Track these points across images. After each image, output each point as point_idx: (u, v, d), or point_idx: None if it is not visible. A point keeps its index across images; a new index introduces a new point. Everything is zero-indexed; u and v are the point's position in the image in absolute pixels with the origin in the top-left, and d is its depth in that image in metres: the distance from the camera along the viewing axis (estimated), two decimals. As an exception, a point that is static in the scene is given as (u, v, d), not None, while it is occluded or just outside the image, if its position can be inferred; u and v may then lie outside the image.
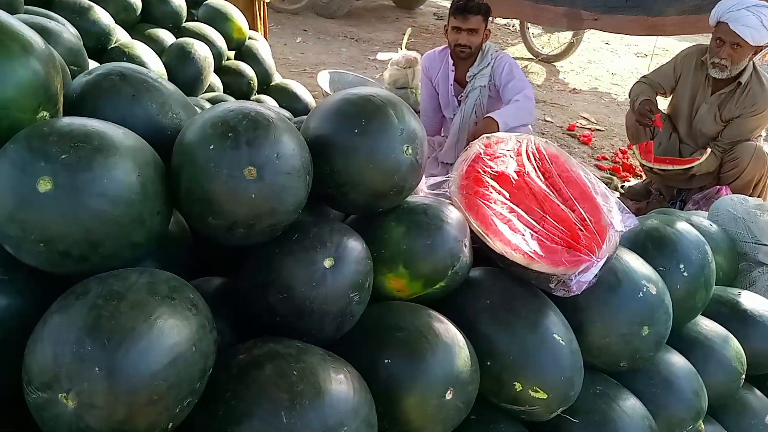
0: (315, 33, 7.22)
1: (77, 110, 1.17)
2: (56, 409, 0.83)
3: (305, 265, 1.13)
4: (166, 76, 3.14)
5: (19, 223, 0.92)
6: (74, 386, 0.82)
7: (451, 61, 3.73)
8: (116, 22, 3.13)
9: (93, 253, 0.96)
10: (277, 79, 4.11)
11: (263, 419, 0.93)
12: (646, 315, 1.45)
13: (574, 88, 6.55)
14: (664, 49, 7.09)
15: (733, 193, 3.48)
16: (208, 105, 3.10)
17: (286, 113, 2.80)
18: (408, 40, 5.15)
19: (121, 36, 3.17)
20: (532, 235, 1.39)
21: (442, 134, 4.06)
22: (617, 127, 5.49)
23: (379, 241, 1.34)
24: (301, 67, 6.06)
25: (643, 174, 4.42)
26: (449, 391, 1.14)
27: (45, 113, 1.06)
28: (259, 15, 4.38)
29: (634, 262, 1.51)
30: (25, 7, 2.38)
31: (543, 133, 5.18)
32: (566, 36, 6.82)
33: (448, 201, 1.49)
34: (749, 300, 1.95)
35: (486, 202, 1.45)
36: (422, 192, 1.54)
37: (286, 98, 3.81)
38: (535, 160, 1.53)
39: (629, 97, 3.94)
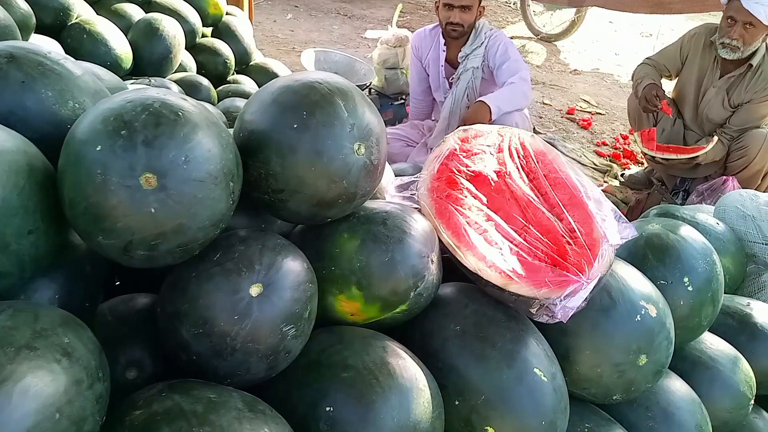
0: (306, 9, 6.92)
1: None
2: None
3: (226, 294, 0.92)
4: (130, 55, 2.91)
5: None
6: None
7: (442, 41, 3.48)
8: (79, -4, 2.89)
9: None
10: (258, 58, 3.87)
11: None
12: (644, 341, 1.24)
13: (575, 69, 6.28)
14: (671, 28, 6.80)
15: (741, 184, 3.27)
16: (175, 87, 2.87)
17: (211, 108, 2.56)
18: (400, 16, 4.88)
19: (82, 11, 2.93)
20: (511, 249, 1.18)
21: (433, 118, 3.83)
22: (619, 111, 5.25)
23: (328, 256, 1.13)
24: (290, 45, 5.79)
25: (644, 161, 4.19)
26: (403, 447, 0.94)
27: None
28: (245, -11, 4.12)
29: (632, 277, 1.30)
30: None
31: (541, 117, 4.94)
32: (568, 14, 6.53)
33: (416, 206, 1.28)
34: (761, 312, 1.74)
35: (459, 207, 1.23)
36: (389, 194, 1.32)
37: (266, 79, 3.57)
38: (518, 158, 1.31)
39: (632, 79, 3.69)
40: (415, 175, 1.32)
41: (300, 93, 1.02)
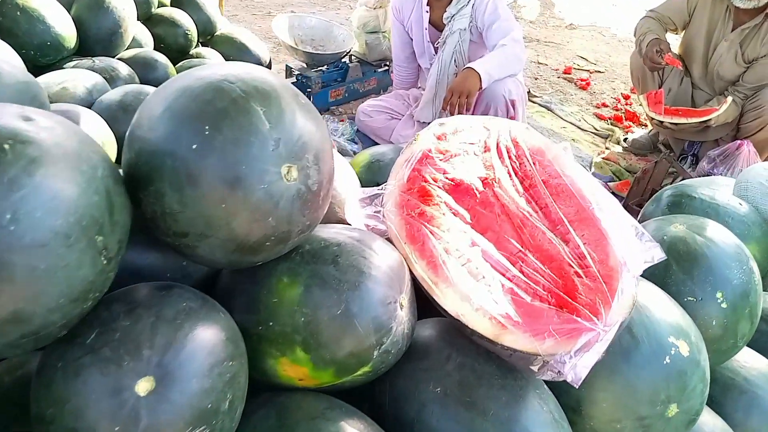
0: (283, -31, 6.48)
1: None
2: None
3: (102, 394, 0.65)
4: (74, 33, 2.57)
5: None
6: None
7: (425, 0, 3.14)
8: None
9: None
10: (224, 27, 3.52)
11: None
12: (674, 388, 0.98)
13: (571, 24, 5.90)
14: (671, -25, 6.38)
15: (756, 148, 2.98)
16: (124, 69, 2.55)
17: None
18: (381, -26, 4.49)
19: (16, -14, 2.59)
20: (503, 285, 0.90)
21: (419, 86, 3.50)
22: (618, 68, 4.91)
23: (264, 307, 0.86)
24: (265, 8, 5.41)
25: (648, 123, 3.89)
26: None
27: None
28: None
29: (657, 303, 1.03)
30: None
31: (536, 78, 4.61)
32: (562, -36, 6.11)
33: (382, 226, 1.00)
34: (800, 315, 1.48)
35: (435, 229, 0.96)
36: (349, 211, 1.04)
37: (233, 50, 3.26)
38: (510, 158, 1.03)
39: (634, 35, 3.37)
40: (381, 186, 1.04)
41: (201, 98, 0.73)
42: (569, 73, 4.71)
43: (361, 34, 3.87)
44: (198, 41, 3.25)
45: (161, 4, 3.20)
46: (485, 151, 1.04)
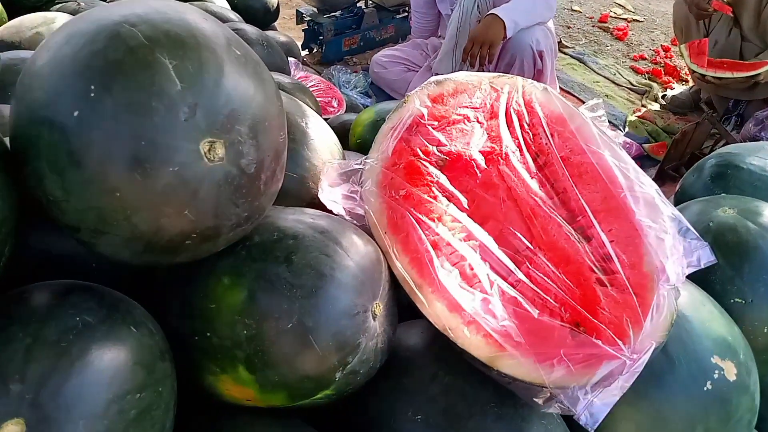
0: None
1: None
2: None
3: (-53, 448, 0.49)
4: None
5: None
6: None
7: (446, -62, 2.84)
8: None
9: None
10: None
11: None
12: (716, 420, 0.79)
13: (610, -32, 5.46)
14: None
15: (811, 110, 2.68)
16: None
17: None
18: None
19: None
20: (503, 292, 0.71)
21: (439, 35, 3.23)
22: (659, 17, 4.53)
23: (200, 313, 0.69)
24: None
25: (689, 78, 3.57)
26: None
27: None
28: None
29: (698, 311, 0.83)
30: None
31: (569, 27, 4.27)
32: None
33: (359, 215, 0.81)
34: None
35: (423, 217, 0.76)
36: (326, 188, 0.84)
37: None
38: (522, 128, 0.82)
39: (679, -21, 3.03)
40: (360, 160, 0.84)
41: (88, 48, 0.54)
42: (605, 22, 4.35)
43: (377, -24, 3.59)
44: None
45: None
46: (491, 118, 0.83)
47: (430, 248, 0.74)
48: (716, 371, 0.79)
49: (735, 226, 1.01)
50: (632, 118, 3.20)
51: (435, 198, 0.78)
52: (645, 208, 0.74)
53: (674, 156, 2.74)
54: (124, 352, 0.58)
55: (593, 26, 4.34)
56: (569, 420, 0.75)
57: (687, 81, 3.64)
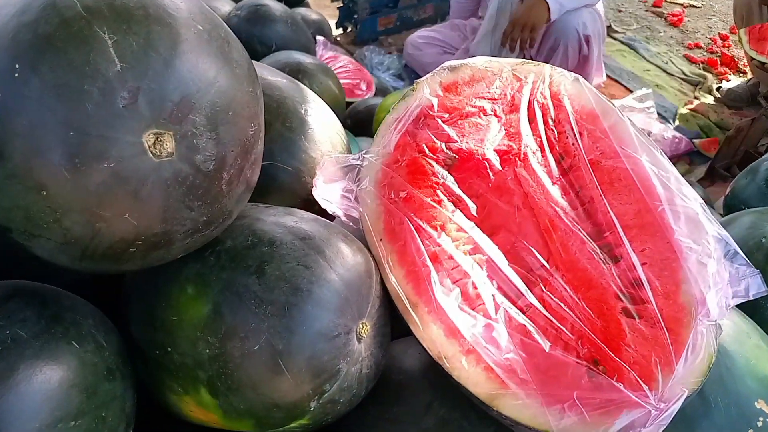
0: None
1: None
2: None
3: None
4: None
5: None
6: None
7: None
8: None
9: None
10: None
11: None
12: (758, 476, 0.68)
13: (667, -51, 5.16)
14: None
15: None
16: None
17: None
18: None
19: None
20: (510, 318, 0.61)
21: (480, 15, 3.08)
22: (718, 3, 4.26)
23: (160, 324, 0.61)
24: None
25: (748, 70, 3.33)
26: None
27: None
28: None
29: (744, 347, 0.71)
30: None
31: (620, 11, 4.05)
32: None
33: (354, 217, 0.72)
34: None
35: (425, 224, 0.66)
36: (320, 184, 0.75)
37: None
38: (546, 124, 0.71)
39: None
40: (358, 155, 0.74)
41: (18, 20, 0.45)
42: (659, 6, 4.11)
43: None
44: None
45: None
46: (510, 112, 0.72)
47: (428, 261, 0.64)
48: (761, 418, 0.67)
49: (794, 244, 0.88)
50: (683, 110, 3.00)
51: (439, 202, 0.68)
52: (686, 225, 0.62)
53: (726, 153, 2.55)
54: (59, 373, 0.50)
55: (646, 11, 4.11)
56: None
57: (745, 73, 3.40)
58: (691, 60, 3.54)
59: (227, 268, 0.59)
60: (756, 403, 0.68)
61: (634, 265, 0.61)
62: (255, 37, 1.82)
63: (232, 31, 0.56)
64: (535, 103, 0.72)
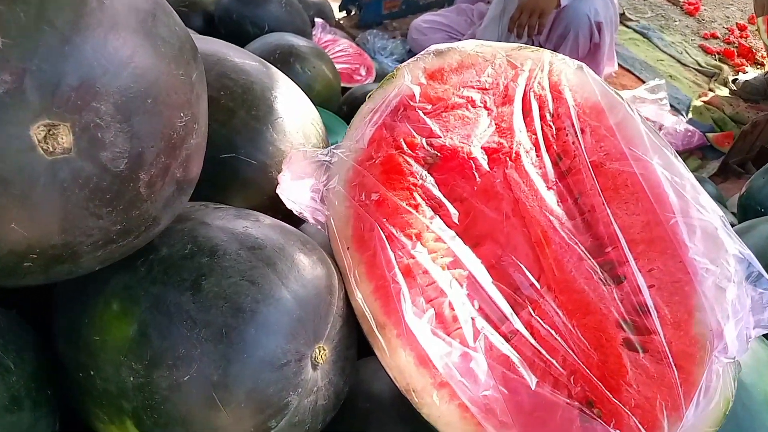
0: None
1: None
2: None
3: None
4: None
5: None
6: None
7: None
8: None
9: None
10: None
11: None
12: None
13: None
14: None
15: None
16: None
17: None
18: None
19: None
20: (492, 346, 0.52)
21: (487, 0, 2.96)
22: (738, -9, 4.11)
23: (84, 343, 0.52)
24: None
25: (766, 62, 3.20)
26: None
27: None
28: None
29: (763, 380, 0.62)
30: None
31: (634, -1, 3.91)
32: None
33: (321, 219, 0.63)
34: None
35: (398, 233, 0.57)
36: (284, 183, 0.66)
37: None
38: (543, 119, 0.61)
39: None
40: (327, 150, 0.65)
41: None
42: (675, -5, 3.97)
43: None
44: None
45: None
46: (503, 104, 0.63)
47: (400, 276, 0.55)
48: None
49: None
50: (697, 103, 2.88)
51: (416, 207, 0.59)
52: (703, 242, 0.53)
53: (741, 149, 2.43)
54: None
55: (661, -1, 3.96)
56: None
57: (762, 65, 3.28)
58: (706, 50, 3.41)
59: (158, 282, 0.50)
60: (777, 446, 0.59)
61: (639, 287, 0.52)
62: (246, 17, 1.73)
63: (168, 3, 0.47)
64: (532, 94, 0.62)
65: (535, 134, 0.60)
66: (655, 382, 0.49)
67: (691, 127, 2.56)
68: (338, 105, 1.77)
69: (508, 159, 0.60)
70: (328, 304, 0.54)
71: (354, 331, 0.57)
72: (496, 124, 0.62)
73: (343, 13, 3.15)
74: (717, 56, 3.36)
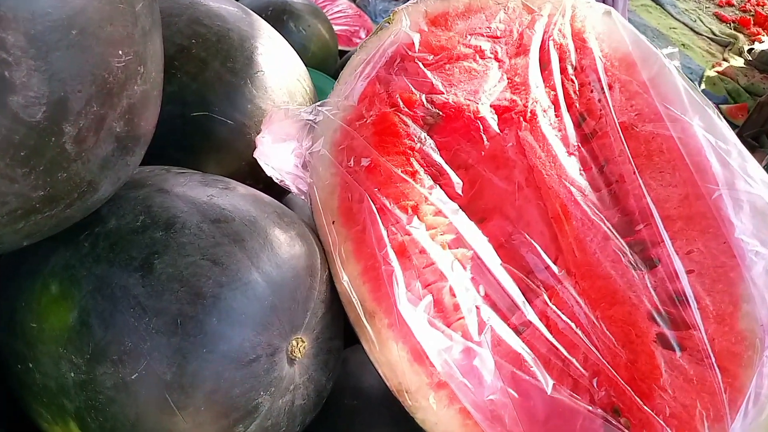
0: None
1: None
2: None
3: None
4: None
5: None
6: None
7: None
8: None
9: None
10: None
11: None
12: None
13: None
14: None
15: None
16: None
17: None
18: None
19: None
20: (499, 343, 0.44)
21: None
22: (755, -43, 3.94)
23: (21, 331, 0.44)
24: None
25: (784, 31, 3.08)
26: None
27: None
28: None
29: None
30: None
31: (646, -36, 3.75)
32: None
33: (303, 188, 0.54)
34: None
35: (392, 205, 0.49)
36: (264, 145, 0.57)
37: None
38: (563, 72, 0.52)
39: None
40: (311, 108, 0.56)
41: None
42: (690, -40, 3.81)
43: None
44: None
45: None
46: (517, 55, 0.54)
47: (393, 256, 0.46)
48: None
49: None
50: (710, 73, 2.77)
51: (413, 175, 0.50)
52: (752, 219, 0.44)
53: (756, 121, 2.34)
54: None
55: (676, -36, 3.80)
56: None
57: (780, 34, 3.15)
58: (721, 18, 3.28)
59: (103, 261, 0.42)
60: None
61: (676, 273, 0.44)
62: (237, -29, 1.62)
63: None
64: (551, 43, 0.53)
65: (555, 90, 0.51)
66: (694, 387, 0.41)
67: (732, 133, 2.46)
68: (335, 69, 1.67)
69: (521, 119, 0.51)
70: (308, 288, 0.46)
71: (339, 319, 0.49)
72: (508, 79, 0.53)
73: (344, -26, 3.01)
74: (732, 24, 3.24)
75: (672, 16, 3.21)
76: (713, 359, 0.41)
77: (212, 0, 0.68)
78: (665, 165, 0.47)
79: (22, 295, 0.44)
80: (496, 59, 0.54)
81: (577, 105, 0.51)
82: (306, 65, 0.76)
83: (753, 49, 2.98)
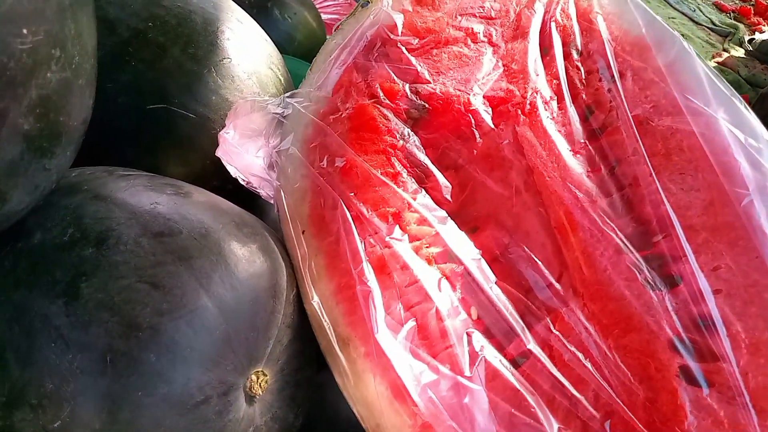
0: None
1: None
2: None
3: None
4: None
5: None
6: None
7: None
8: None
9: None
10: None
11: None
12: None
13: None
14: None
15: None
16: None
17: None
18: None
19: None
20: (495, 377, 0.37)
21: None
22: (755, -55, 3.87)
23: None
24: None
25: (785, 21, 3.01)
26: None
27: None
28: None
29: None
30: None
31: (644, -48, 3.68)
32: None
33: (270, 190, 0.47)
34: None
35: (371, 212, 0.42)
36: (228, 139, 0.50)
37: None
38: (567, 57, 0.45)
39: None
40: (279, 99, 0.49)
41: None
42: (689, -52, 3.73)
43: None
44: None
45: None
46: (514, 38, 0.47)
47: (370, 272, 0.40)
48: None
49: None
50: (710, 64, 2.71)
51: (395, 177, 0.43)
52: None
53: (758, 114, 2.27)
54: None
55: (674, -48, 3.73)
56: None
57: (781, 24, 3.08)
58: (721, 8, 3.21)
59: (22, 284, 0.35)
60: None
61: (701, 293, 0.37)
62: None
63: None
64: (553, 25, 0.46)
65: (557, 79, 0.45)
66: (725, 430, 0.34)
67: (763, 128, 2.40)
68: (323, 59, 1.60)
69: (519, 112, 0.44)
70: (270, 312, 0.39)
71: (310, 346, 0.43)
72: (504, 66, 0.46)
73: (335, -38, 2.93)
74: (732, 14, 3.17)
75: (671, 5, 3.14)
76: (747, 397, 0.35)
77: (173, -21, 0.61)
78: (686, 166, 0.40)
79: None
80: (491, 43, 0.47)
81: (584, 96, 0.44)
82: (292, 55, 0.69)
83: (754, 39, 2.91)
